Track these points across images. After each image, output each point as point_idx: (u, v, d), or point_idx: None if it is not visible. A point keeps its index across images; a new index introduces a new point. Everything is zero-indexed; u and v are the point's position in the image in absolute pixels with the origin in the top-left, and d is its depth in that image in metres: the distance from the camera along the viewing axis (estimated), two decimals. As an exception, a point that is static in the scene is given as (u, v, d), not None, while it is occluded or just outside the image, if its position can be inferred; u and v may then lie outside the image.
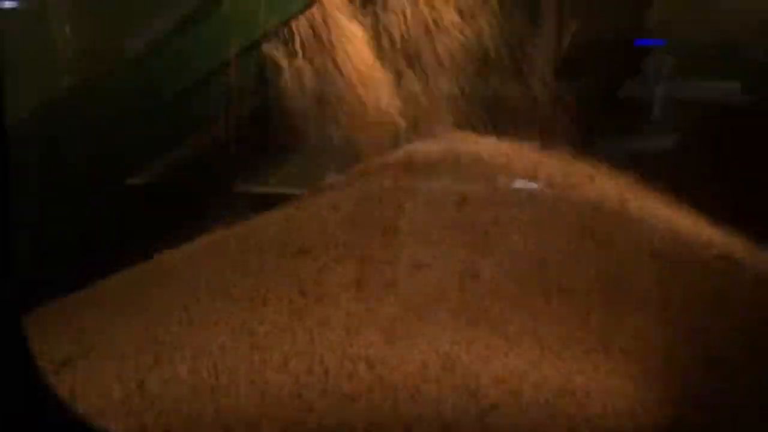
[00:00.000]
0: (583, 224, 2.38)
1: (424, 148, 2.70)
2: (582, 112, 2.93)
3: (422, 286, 2.13)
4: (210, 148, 3.08)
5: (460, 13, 2.67)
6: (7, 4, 3.07)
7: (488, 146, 2.70)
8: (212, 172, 3.06)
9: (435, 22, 2.65)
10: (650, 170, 2.71)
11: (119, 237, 2.75)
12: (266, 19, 2.66)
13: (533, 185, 2.55)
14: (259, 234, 2.45)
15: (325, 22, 2.65)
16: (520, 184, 2.55)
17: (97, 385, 1.92)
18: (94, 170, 2.76)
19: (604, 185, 2.65)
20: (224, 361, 1.98)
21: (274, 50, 2.75)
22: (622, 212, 2.51)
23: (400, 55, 2.71)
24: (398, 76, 2.75)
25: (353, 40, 2.66)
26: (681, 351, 1.99)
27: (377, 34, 2.70)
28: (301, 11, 2.63)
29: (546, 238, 2.29)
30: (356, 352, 1.98)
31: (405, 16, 2.64)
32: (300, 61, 2.73)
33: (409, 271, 2.18)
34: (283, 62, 2.75)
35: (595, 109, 3.01)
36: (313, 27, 2.66)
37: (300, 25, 2.68)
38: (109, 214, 2.79)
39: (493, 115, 2.75)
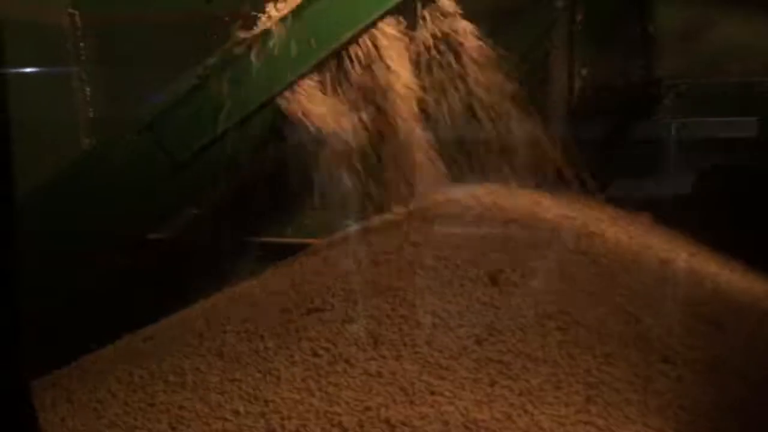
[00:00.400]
0: (611, 276, 2.30)
1: (442, 198, 2.66)
2: (597, 155, 2.87)
3: (441, 342, 2.07)
4: (227, 203, 3.10)
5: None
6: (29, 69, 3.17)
7: (506, 195, 2.66)
8: (229, 226, 3.07)
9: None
10: (674, 215, 2.65)
11: (134, 297, 2.75)
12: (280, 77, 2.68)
13: (557, 235, 2.49)
14: (269, 292, 2.41)
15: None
16: (542, 233, 2.49)
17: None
18: (114, 228, 2.77)
19: (630, 232, 2.58)
20: (238, 425, 1.93)
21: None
22: (653, 264, 2.42)
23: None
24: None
25: None
26: (719, 415, 1.87)
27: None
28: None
29: (571, 292, 2.22)
30: (376, 413, 1.92)
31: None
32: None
33: (427, 327, 2.12)
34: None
35: (610, 152, 2.96)
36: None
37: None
38: (123, 275, 2.79)
39: (505, 162, 2.71)
